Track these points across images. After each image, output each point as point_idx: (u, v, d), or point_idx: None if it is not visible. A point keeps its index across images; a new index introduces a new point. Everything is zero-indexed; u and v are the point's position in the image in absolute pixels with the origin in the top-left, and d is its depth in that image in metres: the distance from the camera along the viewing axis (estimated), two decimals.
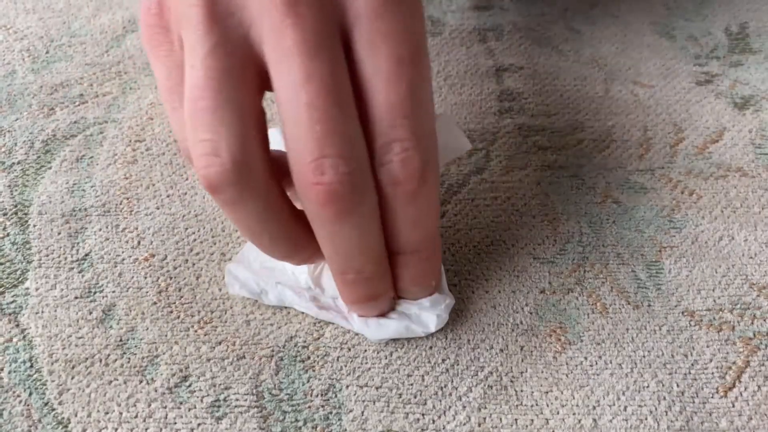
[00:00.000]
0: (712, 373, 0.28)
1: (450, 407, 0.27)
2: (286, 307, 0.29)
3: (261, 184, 0.22)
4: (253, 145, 0.22)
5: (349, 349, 0.28)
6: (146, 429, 0.26)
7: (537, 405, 0.27)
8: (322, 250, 0.25)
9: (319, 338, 0.28)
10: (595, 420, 0.26)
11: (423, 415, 0.27)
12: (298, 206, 0.24)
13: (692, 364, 0.28)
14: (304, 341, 0.28)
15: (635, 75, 0.39)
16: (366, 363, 0.28)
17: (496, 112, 0.37)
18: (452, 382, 0.27)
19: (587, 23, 0.42)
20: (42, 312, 0.29)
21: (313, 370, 0.28)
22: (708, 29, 0.42)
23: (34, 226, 0.31)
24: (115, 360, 0.28)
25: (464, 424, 0.26)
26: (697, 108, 0.37)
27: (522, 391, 0.27)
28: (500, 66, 0.39)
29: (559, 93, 0.38)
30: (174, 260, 0.30)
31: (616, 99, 0.37)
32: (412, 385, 0.27)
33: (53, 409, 0.26)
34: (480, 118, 0.36)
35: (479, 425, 0.26)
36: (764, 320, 0.29)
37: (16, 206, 0.32)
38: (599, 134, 0.36)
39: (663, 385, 0.27)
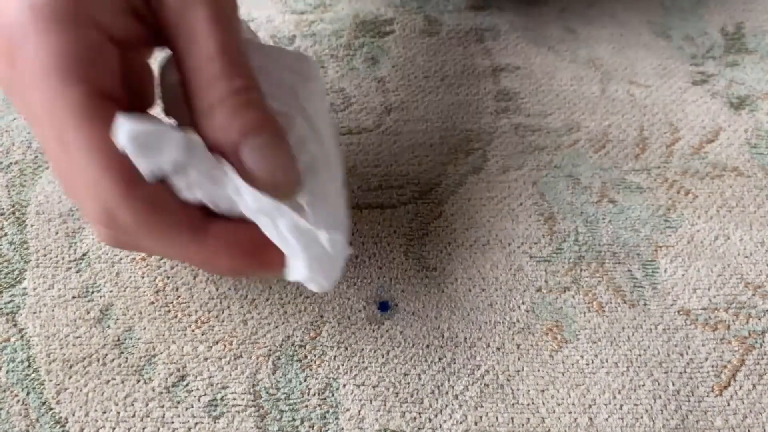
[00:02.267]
0: (708, 372, 0.28)
1: (446, 406, 0.27)
2: (283, 306, 0.29)
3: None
4: None
5: (346, 348, 0.28)
6: (143, 428, 0.26)
7: (533, 403, 0.27)
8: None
9: (316, 337, 0.28)
10: (591, 418, 0.27)
11: (420, 413, 0.27)
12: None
13: (688, 363, 0.28)
14: (301, 340, 0.28)
15: (631, 75, 0.39)
16: (363, 362, 0.28)
17: (492, 112, 0.37)
18: (449, 380, 0.28)
19: (584, 23, 0.42)
20: (40, 312, 0.29)
21: (310, 369, 0.28)
22: (704, 29, 0.42)
23: (32, 225, 0.31)
24: (113, 359, 0.28)
25: (460, 423, 0.26)
26: (693, 108, 0.37)
27: (518, 389, 0.27)
28: (497, 66, 0.39)
29: (556, 93, 0.38)
30: (171, 260, 0.30)
31: (612, 99, 0.37)
32: (408, 384, 0.27)
33: (51, 409, 0.26)
34: (477, 118, 0.36)
35: (475, 424, 0.26)
36: (759, 319, 0.29)
37: (13, 206, 0.32)
38: (595, 134, 0.36)
39: (659, 384, 0.27)
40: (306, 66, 0.27)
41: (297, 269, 0.23)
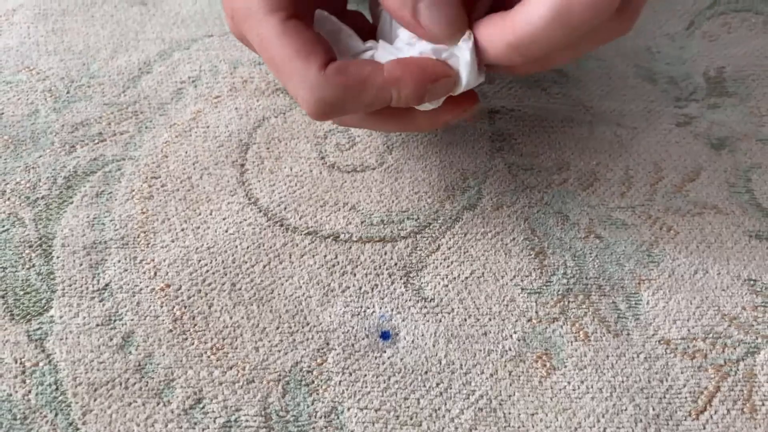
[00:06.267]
0: (686, 398, 0.30)
1: (443, 428, 0.29)
2: (292, 335, 0.31)
3: None
4: None
5: (351, 374, 0.30)
6: None
7: (523, 426, 0.29)
8: None
9: (322, 364, 0.30)
10: None
11: None
12: None
13: (667, 389, 0.30)
14: (309, 366, 0.30)
15: (619, 117, 0.41)
16: (366, 387, 0.30)
17: (487, 151, 0.39)
18: (445, 405, 0.29)
19: (574, 66, 0.44)
20: (66, 338, 0.31)
21: (317, 394, 0.30)
22: (688, 73, 0.44)
23: (58, 257, 0.33)
24: (134, 383, 0.30)
25: None
26: (676, 148, 0.40)
27: (510, 413, 0.29)
28: (492, 108, 0.41)
29: (547, 134, 0.40)
30: (188, 290, 0.33)
31: (600, 140, 0.40)
32: (408, 407, 0.29)
33: (77, 429, 0.28)
34: (473, 157, 0.39)
35: None
36: (734, 348, 0.31)
37: (40, 239, 0.34)
38: (584, 173, 0.38)
39: (640, 409, 0.29)
40: None
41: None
